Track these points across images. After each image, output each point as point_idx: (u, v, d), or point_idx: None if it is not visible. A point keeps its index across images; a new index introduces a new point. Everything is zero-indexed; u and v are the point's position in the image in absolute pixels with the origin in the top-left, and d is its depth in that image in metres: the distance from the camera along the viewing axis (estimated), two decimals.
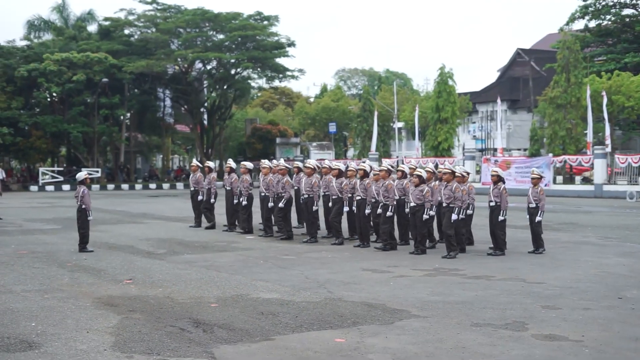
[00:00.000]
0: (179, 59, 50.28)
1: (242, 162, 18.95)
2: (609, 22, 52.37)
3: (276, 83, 59.57)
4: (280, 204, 16.26)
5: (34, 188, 44.94)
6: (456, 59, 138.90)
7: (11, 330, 7.72)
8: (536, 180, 14.11)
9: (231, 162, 18.90)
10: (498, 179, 13.83)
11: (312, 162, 17.04)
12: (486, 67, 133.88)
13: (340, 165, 16.14)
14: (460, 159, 42.92)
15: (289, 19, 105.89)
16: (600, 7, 51.35)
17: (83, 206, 14.02)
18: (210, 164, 20.12)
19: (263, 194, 17.04)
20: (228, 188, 18.29)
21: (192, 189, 19.46)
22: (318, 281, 10.72)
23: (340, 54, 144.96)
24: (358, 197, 14.84)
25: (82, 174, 14.47)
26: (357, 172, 15.25)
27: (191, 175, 19.85)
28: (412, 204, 13.78)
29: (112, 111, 49.20)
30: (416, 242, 13.84)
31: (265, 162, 17.61)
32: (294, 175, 17.86)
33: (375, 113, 49.88)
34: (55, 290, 10.07)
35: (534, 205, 13.91)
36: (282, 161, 17.58)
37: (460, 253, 13.61)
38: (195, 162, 20.34)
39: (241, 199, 17.57)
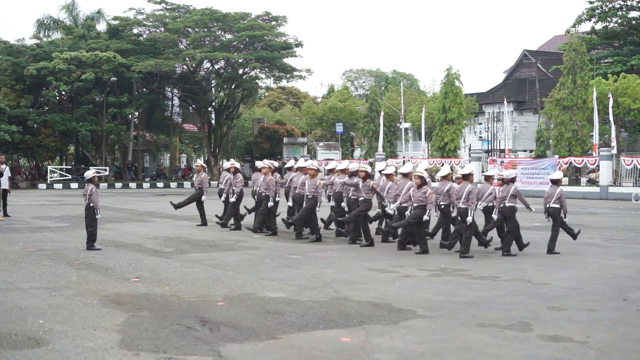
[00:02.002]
0: (187, 59, 50.37)
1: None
2: (616, 25, 52.36)
3: (284, 83, 59.65)
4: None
5: (42, 186, 45.08)
6: (463, 60, 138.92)
7: (19, 327, 7.77)
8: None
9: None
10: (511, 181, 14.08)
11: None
12: (493, 68, 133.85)
13: (367, 167, 15.46)
14: (466, 159, 42.91)
15: (297, 20, 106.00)
16: (607, 9, 51.32)
17: (91, 204, 14.05)
18: (228, 164, 20.06)
19: (264, 194, 17.14)
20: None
21: (196, 188, 19.59)
22: (324, 280, 10.76)
23: (348, 55, 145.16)
24: (361, 198, 14.88)
25: (90, 173, 14.51)
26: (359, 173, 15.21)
27: (195, 176, 20.04)
28: (415, 205, 13.86)
29: (121, 110, 49.40)
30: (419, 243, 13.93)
31: (265, 162, 17.70)
32: None
33: (382, 113, 49.89)
34: (63, 287, 10.12)
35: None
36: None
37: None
38: (199, 162, 20.55)
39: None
